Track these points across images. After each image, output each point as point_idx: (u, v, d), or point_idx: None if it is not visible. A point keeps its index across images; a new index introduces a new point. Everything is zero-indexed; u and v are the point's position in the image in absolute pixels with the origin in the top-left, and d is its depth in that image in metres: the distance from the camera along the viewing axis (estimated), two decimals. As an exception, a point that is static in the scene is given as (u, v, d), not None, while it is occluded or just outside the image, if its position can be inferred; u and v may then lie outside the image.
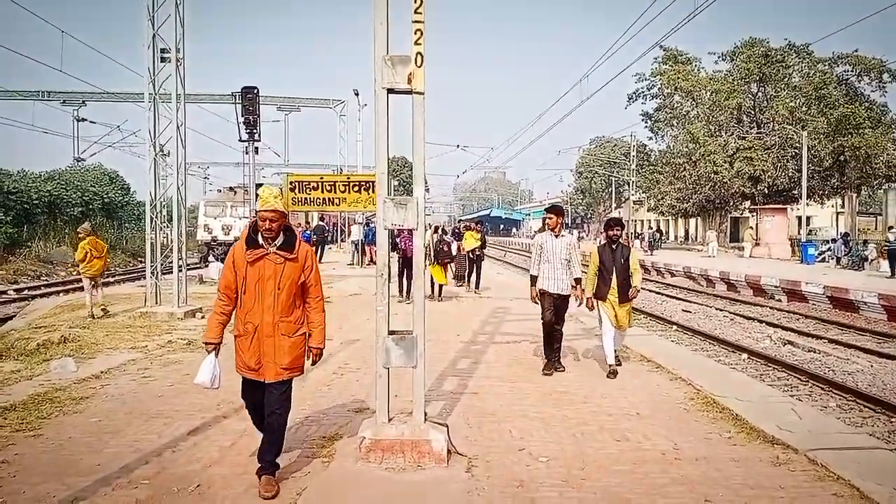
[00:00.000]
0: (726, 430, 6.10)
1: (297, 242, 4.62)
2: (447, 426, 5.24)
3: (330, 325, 12.39)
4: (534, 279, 8.40)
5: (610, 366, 8.19)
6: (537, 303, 8.38)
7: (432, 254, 20.86)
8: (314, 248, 30.46)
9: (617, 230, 8.24)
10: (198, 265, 32.78)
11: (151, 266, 12.84)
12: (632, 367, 8.73)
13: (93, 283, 12.47)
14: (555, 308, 8.32)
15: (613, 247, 8.24)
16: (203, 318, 12.67)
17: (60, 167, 45.60)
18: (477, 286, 17.46)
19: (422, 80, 4.89)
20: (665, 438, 5.85)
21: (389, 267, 5.06)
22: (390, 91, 4.96)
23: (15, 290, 23.93)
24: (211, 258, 31.51)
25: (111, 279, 24.30)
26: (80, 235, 12.79)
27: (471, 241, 17.69)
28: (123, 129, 45.41)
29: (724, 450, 5.58)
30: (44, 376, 7.80)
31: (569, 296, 8.42)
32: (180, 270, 12.81)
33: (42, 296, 21.30)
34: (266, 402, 4.69)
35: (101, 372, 8.01)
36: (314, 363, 4.84)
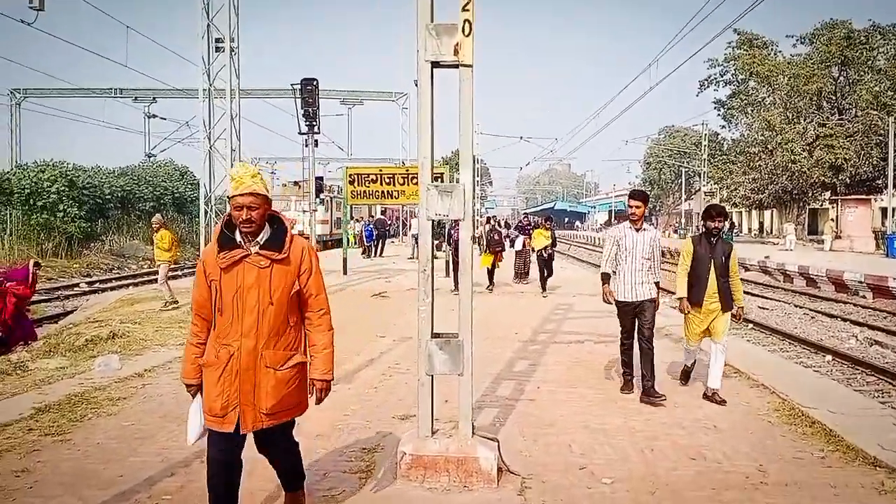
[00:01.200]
0: (818, 448, 5.33)
1: (289, 237, 3.45)
2: (497, 441, 4.67)
3: (383, 321, 12.13)
4: (605, 277, 6.98)
5: (684, 371, 7.34)
6: (610, 302, 6.98)
7: (484, 243, 20.13)
8: (376, 242, 30.25)
9: (720, 221, 6.69)
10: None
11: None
12: (706, 371, 7.96)
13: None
14: (637, 316, 6.81)
15: (713, 241, 6.63)
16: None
17: (133, 163, 47.01)
18: (544, 287, 16.10)
19: (470, 50, 4.33)
20: (748, 457, 5.13)
21: (433, 262, 4.52)
22: (435, 64, 4.41)
23: (87, 283, 24.56)
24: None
25: (179, 272, 24.65)
26: (154, 227, 13.01)
27: (540, 240, 16.46)
28: (192, 125, 46.45)
29: (819, 473, 4.83)
30: (87, 374, 7.60)
31: (653, 300, 6.77)
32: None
33: (112, 289, 21.70)
34: (266, 452, 3.77)
35: (145, 370, 7.76)
36: (319, 401, 3.74)
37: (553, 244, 16.50)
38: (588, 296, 15.43)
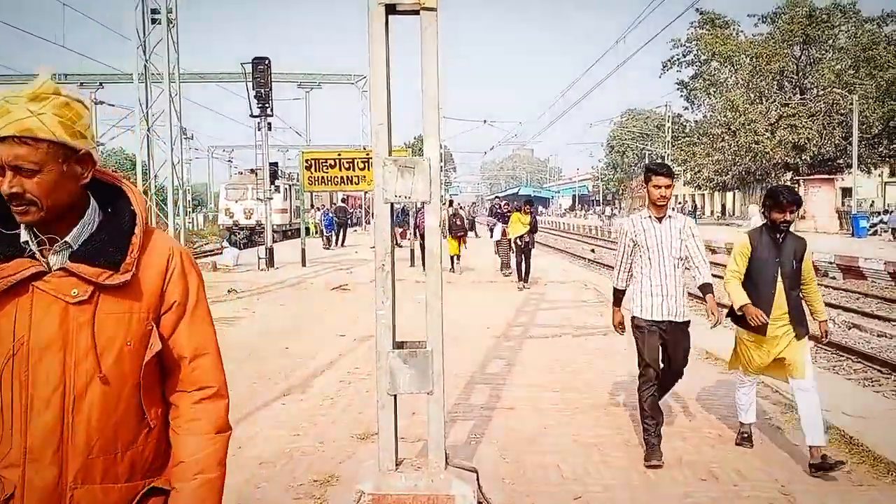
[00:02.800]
0: (840, 458, 4.61)
1: (137, 237, 1.61)
2: (476, 471, 3.83)
3: (344, 318, 11.25)
4: (618, 296, 5.01)
5: (741, 433, 5.00)
6: (621, 332, 5.10)
7: (446, 227, 19.06)
8: (337, 231, 29.08)
9: (791, 211, 4.67)
10: (218, 252, 31.78)
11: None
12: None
13: None
14: (664, 344, 4.73)
15: (779, 237, 4.69)
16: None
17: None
18: (526, 279, 14.26)
19: (433, -9, 3.45)
20: (765, 475, 4.40)
21: (393, 255, 3.65)
22: (390, 9, 3.52)
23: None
24: (225, 243, 30.44)
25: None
26: None
27: (518, 226, 14.37)
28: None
29: (851, 496, 4.11)
30: None
31: (688, 322, 4.79)
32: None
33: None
34: None
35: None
36: None
37: (533, 230, 14.49)
38: (559, 283, 14.74)
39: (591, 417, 5.53)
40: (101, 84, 41.06)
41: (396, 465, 3.70)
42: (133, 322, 1.59)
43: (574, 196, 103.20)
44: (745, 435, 4.94)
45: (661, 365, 4.75)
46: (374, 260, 3.63)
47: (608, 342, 8.46)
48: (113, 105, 42.15)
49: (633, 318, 4.76)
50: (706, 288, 4.70)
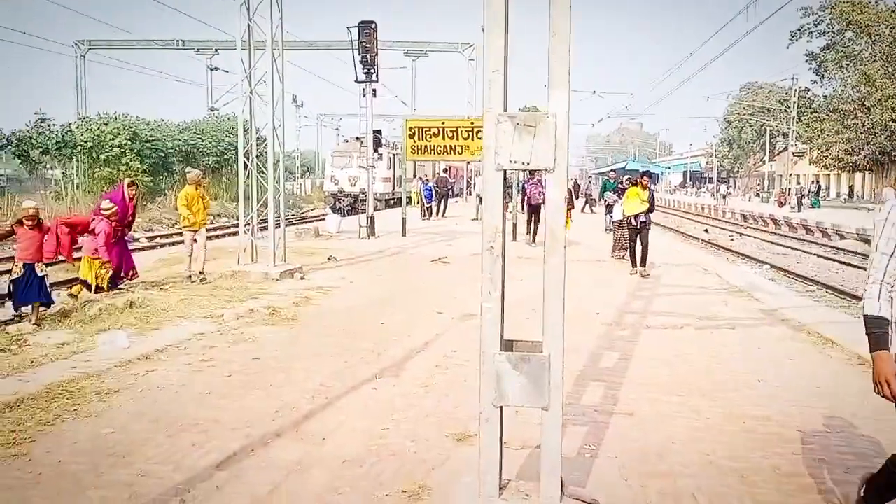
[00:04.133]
0: None
1: None
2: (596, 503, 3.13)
3: (442, 293, 10.67)
4: (879, 329, 2.69)
5: None
6: (890, 395, 2.61)
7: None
8: (437, 201, 28.61)
9: None
10: (321, 218, 32.11)
11: (246, 218, 11.40)
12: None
13: (193, 237, 10.84)
14: None
15: None
16: (302, 278, 11.15)
17: (196, 117, 46.60)
18: (643, 263, 12.42)
19: None
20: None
21: (504, 235, 2.96)
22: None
23: (147, 239, 23.98)
24: (328, 210, 30.64)
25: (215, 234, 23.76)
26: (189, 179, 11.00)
27: (634, 203, 12.36)
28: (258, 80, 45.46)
29: None
30: (89, 353, 6.40)
31: None
32: (277, 225, 11.27)
33: (172, 244, 20.96)
34: None
35: (156, 350, 6.51)
36: None
37: (651, 209, 12.44)
38: (673, 265, 13.60)
39: (727, 432, 4.68)
40: (216, 51, 42.17)
41: (500, 489, 3.05)
42: None
43: (685, 172, 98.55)
44: None
45: None
46: (480, 230, 2.95)
47: (739, 337, 7.48)
48: (227, 71, 43.27)
49: None
50: None
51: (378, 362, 6.34)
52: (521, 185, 20.03)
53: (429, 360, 6.41)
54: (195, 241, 10.74)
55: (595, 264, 13.83)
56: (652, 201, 12.53)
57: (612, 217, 15.40)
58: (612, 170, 19.22)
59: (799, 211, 41.26)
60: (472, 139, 18.00)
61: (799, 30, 47.08)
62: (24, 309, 7.85)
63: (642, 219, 12.34)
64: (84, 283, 9.60)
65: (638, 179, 13.14)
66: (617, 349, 6.95)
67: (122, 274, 9.76)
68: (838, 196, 63.21)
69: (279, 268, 11.05)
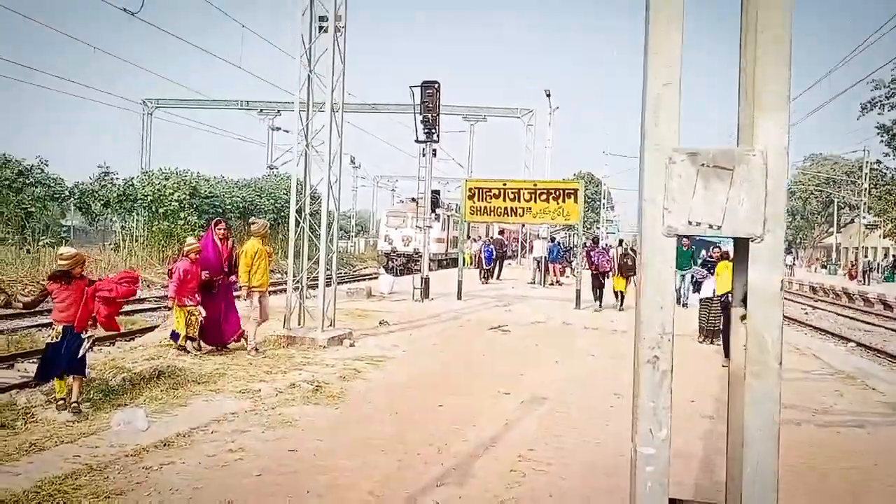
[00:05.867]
0: None
1: None
2: None
3: (506, 368, 9.54)
4: None
5: None
6: None
7: (616, 267, 17.47)
8: (494, 263, 27.25)
9: None
10: (374, 276, 31.43)
11: (295, 278, 10.53)
12: None
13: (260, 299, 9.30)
14: None
15: None
16: (352, 345, 10.19)
17: (255, 175, 47.14)
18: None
19: None
20: None
21: (673, 339, 1.91)
22: None
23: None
24: (381, 270, 29.92)
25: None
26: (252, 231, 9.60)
27: (727, 280, 9.92)
28: (317, 140, 45.87)
29: None
30: (100, 434, 5.49)
31: None
32: (328, 285, 10.35)
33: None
34: None
35: (177, 435, 5.54)
36: None
37: None
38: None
39: None
40: (278, 112, 42.85)
41: None
42: None
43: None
44: None
45: None
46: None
47: (873, 439, 6.16)
48: (287, 131, 43.83)
49: None
50: None
51: (438, 461, 5.25)
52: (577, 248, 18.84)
53: (501, 462, 5.29)
54: (259, 304, 9.27)
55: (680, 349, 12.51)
56: None
57: (698, 294, 13.10)
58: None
59: (867, 284, 39.20)
60: (535, 201, 17.09)
61: (870, 102, 45.59)
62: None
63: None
64: (173, 335, 8.89)
65: (727, 252, 11.27)
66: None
67: (226, 334, 9.16)
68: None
69: (327, 333, 10.10)
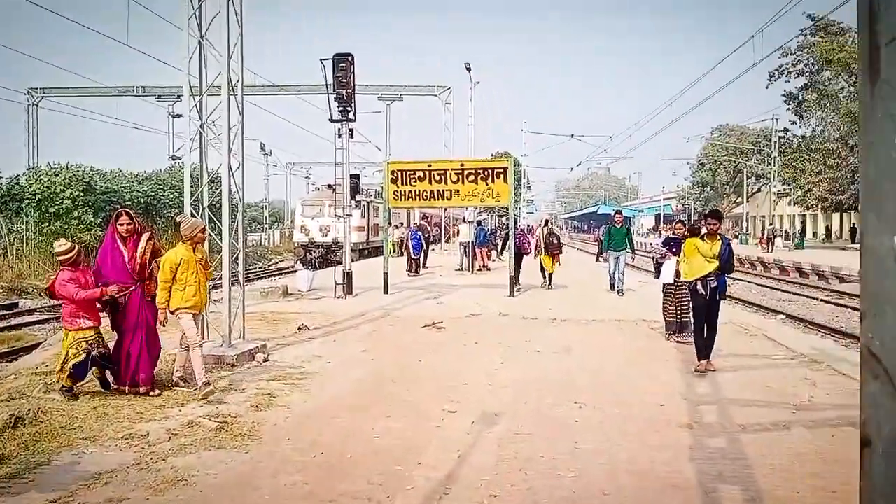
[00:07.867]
0: None
1: None
2: None
3: (447, 375, 7.57)
4: None
5: None
6: None
7: (543, 246, 17.25)
8: (421, 250, 25.79)
9: None
10: (291, 270, 29.63)
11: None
12: None
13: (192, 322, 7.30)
14: None
15: None
16: (266, 360, 8.77)
17: (157, 167, 44.16)
18: (708, 354, 8.33)
19: None
20: None
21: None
22: None
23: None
24: (299, 265, 28.17)
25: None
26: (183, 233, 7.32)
27: (698, 262, 8.28)
28: (219, 124, 43.25)
29: None
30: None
31: None
32: (233, 284, 8.81)
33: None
34: None
35: (24, 517, 4.10)
36: None
37: (730, 268, 8.47)
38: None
39: None
40: (178, 97, 39.99)
41: None
42: None
43: (657, 216, 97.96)
44: None
45: None
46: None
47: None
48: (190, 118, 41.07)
49: None
50: None
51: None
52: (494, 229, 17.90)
53: (470, 490, 4.10)
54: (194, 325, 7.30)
55: (617, 327, 11.65)
56: (727, 256, 8.22)
57: (659, 278, 11.33)
58: (617, 211, 16.17)
59: (771, 251, 40.39)
60: (462, 183, 15.93)
61: (777, 70, 46.70)
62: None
63: (714, 285, 8.14)
64: (75, 372, 6.84)
65: (700, 225, 9.22)
66: (728, 476, 4.69)
67: (137, 364, 6.97)
68: (815, 236, 62.43)
69: (236, 347, 8.65)
